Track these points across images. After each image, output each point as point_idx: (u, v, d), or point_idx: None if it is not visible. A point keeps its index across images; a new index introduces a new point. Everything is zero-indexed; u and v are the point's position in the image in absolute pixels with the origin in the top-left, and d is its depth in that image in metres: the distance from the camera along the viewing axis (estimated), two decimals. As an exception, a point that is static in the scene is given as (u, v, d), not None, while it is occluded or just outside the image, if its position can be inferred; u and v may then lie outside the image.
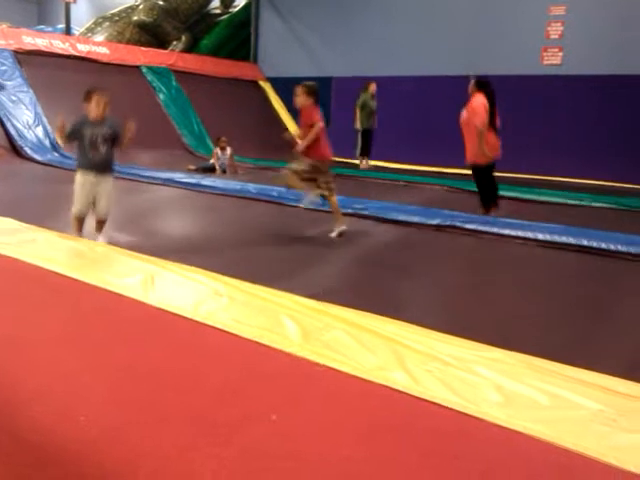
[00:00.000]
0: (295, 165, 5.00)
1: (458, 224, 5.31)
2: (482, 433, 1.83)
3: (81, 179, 4.31)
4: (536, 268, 4.31)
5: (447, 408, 1.93)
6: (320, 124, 4.86)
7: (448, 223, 5.35)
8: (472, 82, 6.53)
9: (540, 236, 4.93)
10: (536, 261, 4.51)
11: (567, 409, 1.98)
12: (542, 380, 2.15)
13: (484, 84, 6.55)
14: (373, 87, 11.20)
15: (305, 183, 5.02)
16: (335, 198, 5.07)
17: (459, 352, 2.37)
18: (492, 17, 11.81)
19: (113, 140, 4.33)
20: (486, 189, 6.63)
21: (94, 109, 4.25)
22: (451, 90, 11.99)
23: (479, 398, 2.01)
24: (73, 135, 4.27)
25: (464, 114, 6.46)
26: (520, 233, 5.05)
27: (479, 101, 6.31)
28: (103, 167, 4.32)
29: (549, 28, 11.27)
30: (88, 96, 4.28)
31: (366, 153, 11.28)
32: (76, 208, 4.31)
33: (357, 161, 11.27)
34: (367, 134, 11.20)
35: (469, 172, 6.83)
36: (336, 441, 1.73)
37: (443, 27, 12.37)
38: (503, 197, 8.05)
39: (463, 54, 12.03)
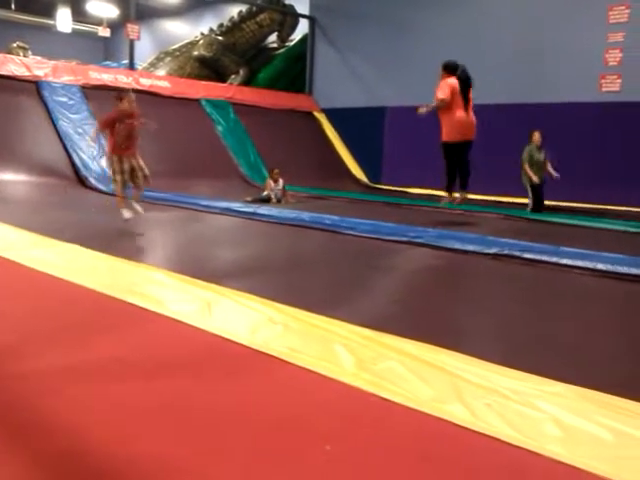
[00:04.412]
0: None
1: (516, 253, 5.20)
2: (541, 469, 1.78)
3: None
4: (598, 299, 4.18)
5: (505, 443, 1.88)
6: None
7: (506, 252, 5.25)
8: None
9: (601, 266, 4.77)
10: (598, 292, 4.37)
11: (632, 448, 1.90)
12: (606, 416, 2.07)
13: (449, 66, 6.55)
14: (537, 137, 9.61)
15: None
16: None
17: (519, 386, 2.31)
18: (549, 45, 11.70)
19: None
20: (448, 170, 6.62)
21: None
22: (507, 118, 11.91)
23: (538, 433, 1.95)
24: None
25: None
26: (580, 263, 4.91)
27: (444, 81, 6.44)
28: None
29: (607, 55, 11.08)
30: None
31: (539, 209, 9.58)
32: None
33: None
34: (537, 189, 9.64)
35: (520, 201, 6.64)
36: (390, 474, 1.71)
37: (498, 55, 12.32)
38: (559, 224, 7.94)
39: (518, 82, 11.95)
